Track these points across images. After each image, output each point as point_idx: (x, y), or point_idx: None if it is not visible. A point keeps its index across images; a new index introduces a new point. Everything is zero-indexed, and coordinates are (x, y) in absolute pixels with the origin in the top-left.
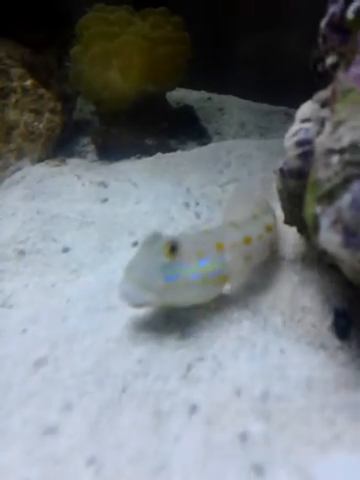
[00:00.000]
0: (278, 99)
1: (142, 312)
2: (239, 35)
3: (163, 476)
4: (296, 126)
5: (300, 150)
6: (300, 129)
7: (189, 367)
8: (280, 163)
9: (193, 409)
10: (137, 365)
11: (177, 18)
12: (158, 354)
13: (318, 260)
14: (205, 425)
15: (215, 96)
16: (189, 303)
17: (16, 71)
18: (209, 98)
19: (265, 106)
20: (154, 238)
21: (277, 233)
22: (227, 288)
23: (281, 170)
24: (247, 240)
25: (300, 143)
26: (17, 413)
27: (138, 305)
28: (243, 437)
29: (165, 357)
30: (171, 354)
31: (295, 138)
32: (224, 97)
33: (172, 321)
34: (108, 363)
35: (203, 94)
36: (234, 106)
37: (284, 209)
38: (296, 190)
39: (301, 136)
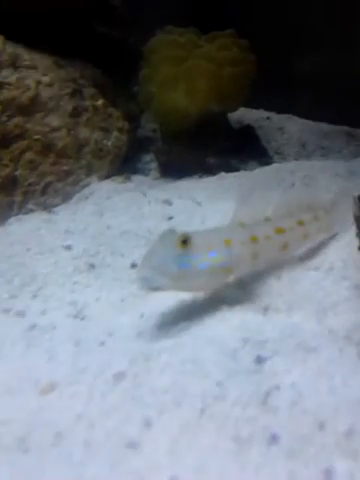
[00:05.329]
0: (338, 119)
1: (218, 333)
2: (298, 54)
3: None
4: None
5: None
6: None
7: (267, 394)
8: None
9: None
10: (216, 387)
11: (244, 40)
12: (235, 378)
13: None
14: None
15: (274, 115)
16: (199, 289)
17: (89, 91)
18: (268, 117)
19: (325, 125)
20: (169, 233)
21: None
22: (231, 279)
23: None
24: (254, 239)
25: None
26: (99, 425)
27: (154, 288)
28: (328, 473)
29: (241, 382)
30: (247, 379)
31: None
32: (283, 116)
33: (248, 345)
34: (185, 383)
35: (262, 113)
36: (294, 126)
37: (359, 236)
38: None
39: None
